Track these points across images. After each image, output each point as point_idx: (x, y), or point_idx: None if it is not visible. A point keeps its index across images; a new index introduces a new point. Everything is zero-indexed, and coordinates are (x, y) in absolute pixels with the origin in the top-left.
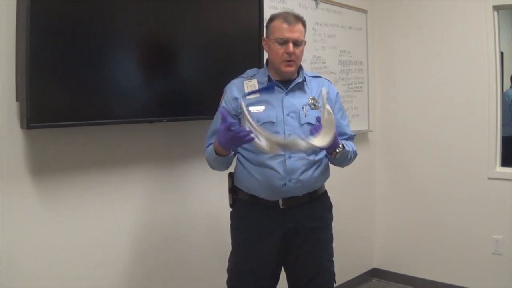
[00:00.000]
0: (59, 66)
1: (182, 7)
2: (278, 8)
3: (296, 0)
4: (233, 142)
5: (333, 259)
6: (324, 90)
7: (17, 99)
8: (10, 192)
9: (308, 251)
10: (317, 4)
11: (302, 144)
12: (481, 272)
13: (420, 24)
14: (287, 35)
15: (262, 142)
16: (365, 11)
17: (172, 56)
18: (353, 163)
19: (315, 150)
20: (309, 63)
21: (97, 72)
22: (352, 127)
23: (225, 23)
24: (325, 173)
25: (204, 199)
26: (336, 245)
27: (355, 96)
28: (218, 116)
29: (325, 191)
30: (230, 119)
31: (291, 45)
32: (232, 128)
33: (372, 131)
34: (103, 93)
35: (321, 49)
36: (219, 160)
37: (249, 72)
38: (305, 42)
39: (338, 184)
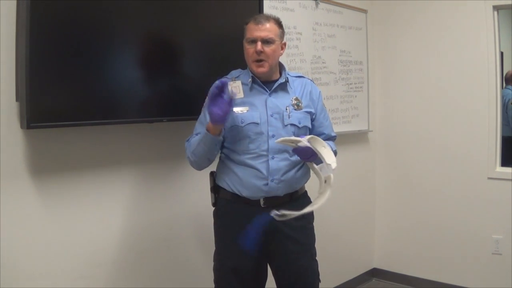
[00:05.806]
0: (59, 66)
1: (183, 7)
2: (278, 8)
3: (296, 0)
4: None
5: (316, 258)
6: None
7: (17, 99)
8: (10, 192)
9: (291, 251)
10: (317, 4)
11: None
12: (481, 272)
13: (420, 24)
14: (256, 34)
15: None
16: (365, 11)
17: (172, 56)
18: (353, 163)
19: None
20: (309, 63)
21: (97, 72)
22: (352, 127)
23: (225, 23)
24: (306, 174)
25: (207, 198)
26: (336, 245)
27: (355, 96)
28: (202, 117)
29: (306, 192)
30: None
31: (259, 43)
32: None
33: (372, 131)
34: (103, 93)
35: (321, 49)
36: (207, 142)
37: (234, 73)
38: (281, 42)
39: (338, 184)
